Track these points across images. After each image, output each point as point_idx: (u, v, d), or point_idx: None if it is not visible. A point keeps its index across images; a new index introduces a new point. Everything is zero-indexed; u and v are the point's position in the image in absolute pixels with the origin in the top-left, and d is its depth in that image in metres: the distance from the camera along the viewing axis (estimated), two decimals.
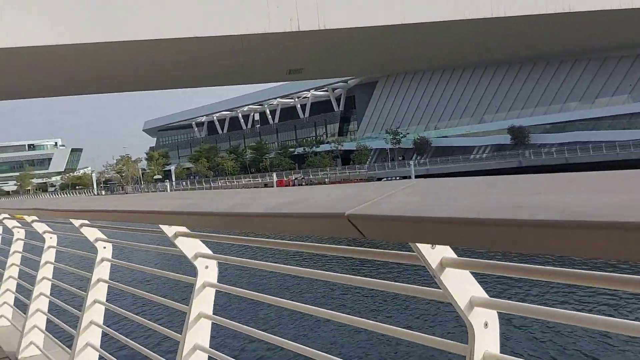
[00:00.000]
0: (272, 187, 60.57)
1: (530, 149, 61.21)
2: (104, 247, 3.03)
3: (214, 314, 2.14)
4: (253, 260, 2.09)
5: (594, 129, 60.99)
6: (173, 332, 2.30)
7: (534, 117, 68.12)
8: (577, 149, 54.23)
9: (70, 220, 3.05)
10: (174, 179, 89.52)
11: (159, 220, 2.05)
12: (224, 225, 1.63)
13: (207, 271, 2.11)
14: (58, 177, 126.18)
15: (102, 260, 3.02)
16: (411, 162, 59.64)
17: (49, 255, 3.85)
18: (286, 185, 62.22)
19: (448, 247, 1.19)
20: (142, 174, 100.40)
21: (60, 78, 27.95)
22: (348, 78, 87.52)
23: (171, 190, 75.64)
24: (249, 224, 1.45)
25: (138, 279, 16.15)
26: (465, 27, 26.17)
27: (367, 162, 75.12)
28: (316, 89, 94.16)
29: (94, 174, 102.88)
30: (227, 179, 79.21)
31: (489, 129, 71.45)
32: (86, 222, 3.04)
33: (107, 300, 3.05)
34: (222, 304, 11.36)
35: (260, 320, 11.17)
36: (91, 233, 3.04)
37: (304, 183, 64.36)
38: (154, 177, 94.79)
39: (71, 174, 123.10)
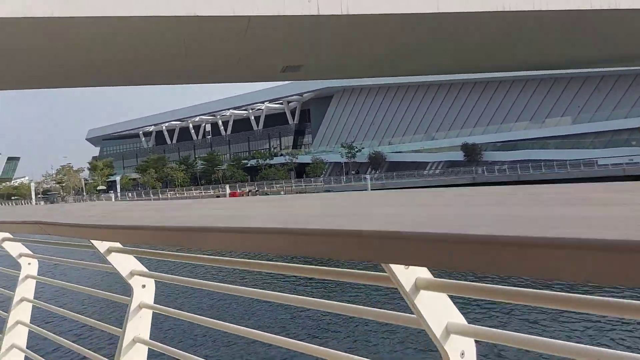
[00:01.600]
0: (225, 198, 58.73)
1: (483, 166, 62.23)
2: (29, 263, 2.81)
3: (151, 338, 1.96)
4: (197, 280, 1.82)
5: (542, 148, 62.91)
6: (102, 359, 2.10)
7: (485, 135, 69.72)
8: (529, 167, 55.46)
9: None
10: (119, 190, 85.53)
11: (89, 234, 1.84)
12: (166, 240, 1.42)
13: (144, 291, 1.94)
14: None
15: (27, 277, 2.78)
16: (367, 176, 59.30)
17: None
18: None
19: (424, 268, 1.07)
20: (85, 184, 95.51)
21: (12, 62, 24.03)
22: (303, 92, 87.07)
23: (115, 201, 72.00)
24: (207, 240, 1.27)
25: (67, 299, 14.27)
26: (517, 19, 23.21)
27: (322, 175, 74.41)
28: (270, 101, 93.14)
29: (32, 184, 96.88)
30: (177, 191, 76.34)
31: (441, 145, 72.51)
32: (8, 235, 2.77)
33: (31, 321, 2.83)
34: (160, 326, 10.19)
35: (198, 345, 10.03)
36: (14, 248, 2.80)
37: (258, 196, 62.77)
38: (98, 188, 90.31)
39: (7, 183, 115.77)
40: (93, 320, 2.34)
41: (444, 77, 67.02)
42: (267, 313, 12.17)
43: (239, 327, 1.64)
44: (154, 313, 1.98)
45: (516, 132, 67.20)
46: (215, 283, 1.75)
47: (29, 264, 2.80)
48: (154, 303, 1.96)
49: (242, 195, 62.29)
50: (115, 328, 2.05)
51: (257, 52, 24.43)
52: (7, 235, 2.81)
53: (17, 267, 2.88)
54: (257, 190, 65.87)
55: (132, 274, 1.94)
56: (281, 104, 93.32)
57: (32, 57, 22.71)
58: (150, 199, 70.35)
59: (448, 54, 28.31)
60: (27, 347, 2.80)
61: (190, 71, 27.93)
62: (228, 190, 66.81)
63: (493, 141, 68.08)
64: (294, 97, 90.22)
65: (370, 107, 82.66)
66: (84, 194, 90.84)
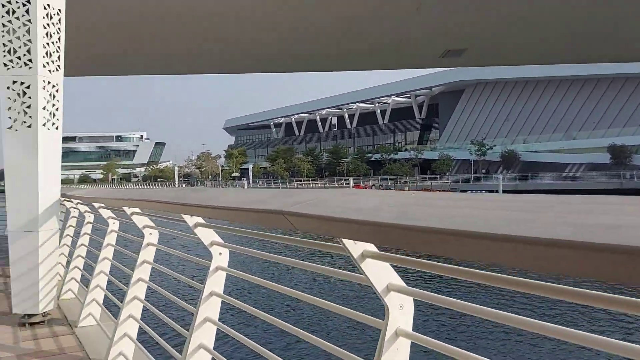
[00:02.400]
0: None
1: (632, 171, 56.19)
2: (220, 253, 2.68)
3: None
4: (460, 301, 1.51)
5: None
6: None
7: (636, 137, 62.81)
8: None
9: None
10: (250, 177, 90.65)
11: (342, 231, 1.56)
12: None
13: (401, 313, 1.69)
14: (142, 169, 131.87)
15: (217, 269, 2.55)
16: (499, 176, 56.39)
17: (147, 254, 3.54)
18: None
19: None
20: (221, 170, 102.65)
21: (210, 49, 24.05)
22: (433, 85, 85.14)
23: (248, 187, 76.37)
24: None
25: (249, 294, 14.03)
26: None
27: (449, 173, 72.29)
28: (397, 94, 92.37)
29: (175, 168, 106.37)
30: (303, 181, 79.03)
31: (584, 146, 66.73)
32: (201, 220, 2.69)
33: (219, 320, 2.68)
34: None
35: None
36: (206, 235, 2.60)
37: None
38: (232, 175, 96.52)
39: (154, 166, 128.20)
40: (337, 348, 1.69)
41: (590, 72, 61.55)
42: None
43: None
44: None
45: None
46: (500, 312, 1.21)
47: (220, 254, 2.54)
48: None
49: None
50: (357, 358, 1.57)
51: (421, 34, 21.76)
52: (199, 220, 2.53)
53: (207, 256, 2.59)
54: (380, 185, 65.82)
55: (388, 289, 1.49)
56: (408, 97, 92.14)
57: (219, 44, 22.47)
58: (279, 187, 73.54)
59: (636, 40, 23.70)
60: (214, 348, 2.49)
61: (340, 57, 25.99)
62: (352, 184, 67.59)
63: None
64: (423, 91, 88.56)
65: (504, 103, 78.49)
66: (220, 179, 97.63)
